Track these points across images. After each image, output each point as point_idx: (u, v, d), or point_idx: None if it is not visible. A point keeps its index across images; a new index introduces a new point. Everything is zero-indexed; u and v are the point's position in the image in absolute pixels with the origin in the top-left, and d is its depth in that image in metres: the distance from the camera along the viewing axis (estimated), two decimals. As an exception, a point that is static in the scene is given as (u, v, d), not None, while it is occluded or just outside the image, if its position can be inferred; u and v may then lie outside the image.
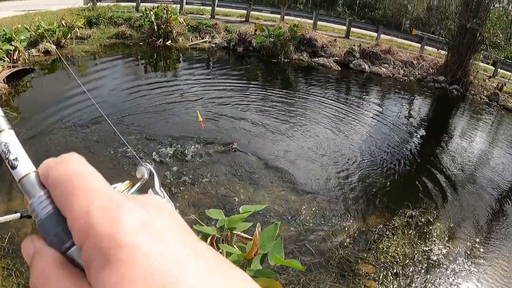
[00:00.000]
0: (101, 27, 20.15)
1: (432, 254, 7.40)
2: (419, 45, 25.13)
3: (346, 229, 7.72)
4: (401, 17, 37.64)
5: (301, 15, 26.69)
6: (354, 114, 14.23)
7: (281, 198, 8.29)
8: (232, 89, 14.82)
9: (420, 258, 7.20)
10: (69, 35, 17.53)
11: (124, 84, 14.06)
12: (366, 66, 20.91)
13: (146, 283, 0.33)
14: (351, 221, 7.99)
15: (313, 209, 8.11)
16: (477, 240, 8.18)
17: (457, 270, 7.10)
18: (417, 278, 6.71)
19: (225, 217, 3.96)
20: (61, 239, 0.39)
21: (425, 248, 7.50)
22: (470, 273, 7.12)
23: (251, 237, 3.66)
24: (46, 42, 16.28)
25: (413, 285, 6.54)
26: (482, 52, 22.23)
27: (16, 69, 13.28)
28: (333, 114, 13.67)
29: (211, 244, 3.75)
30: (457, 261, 7.35)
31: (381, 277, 6.55)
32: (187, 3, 25.34)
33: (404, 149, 12.24)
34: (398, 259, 7.05)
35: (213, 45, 20.97)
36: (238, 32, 21.69)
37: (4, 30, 14.23)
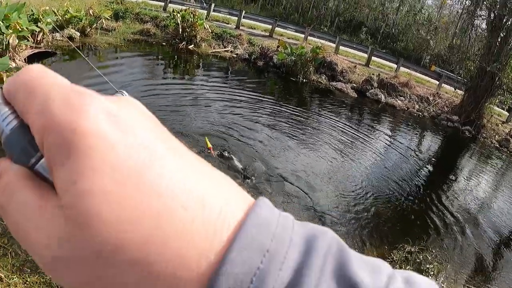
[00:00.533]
0: (127, 21, 20.34)
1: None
2: (436, 82, 25.14)
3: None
4: (422, 51, 37.69)
5: (325, 37, 26.78)
6: (364, 141, 14.26)
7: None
8: (247, 101, 14.91)
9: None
10: (95, 25, 17.72)
11: (140, 81, 14.20)
12: (383, 97, 20.92)
13: (114, 175, 0.31)
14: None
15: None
16: (472, 284, 8.16)
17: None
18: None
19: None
20: (28, 153, 0.35)
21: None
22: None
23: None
24: (71, 28, 16.46)
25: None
26: (499, 96, 22.24)
27: (38, 50, 13.44)
28: (343, 139, 13.70)
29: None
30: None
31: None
32: (214, 10, 25.60)
33: (410, 183, 12.24)
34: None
35: (235, 55, 21.09)
36: (260, 46, 21.81)
37: (32, 10, 14.38)
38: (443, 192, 12.62)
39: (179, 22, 19.44)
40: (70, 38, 16.15)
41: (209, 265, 0.32)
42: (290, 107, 15.69)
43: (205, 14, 23.54)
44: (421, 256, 8.34)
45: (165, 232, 0.31)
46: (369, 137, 15.13)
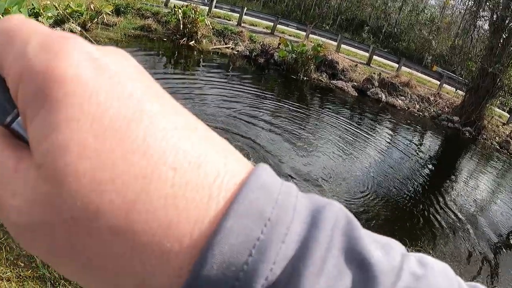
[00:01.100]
0: (128, 17, 20.27)
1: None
2: (438, 82, 25.09)
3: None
4: (424, 51, 37.67)
5: (326, 35, 26.77)
6: (363, 140, 14.24)
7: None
8: (247, 97, 14.89)
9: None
10: (96, 20, 17.67)
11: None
12: (383, 96, 20.89)
13: (94, 128, 0.27)
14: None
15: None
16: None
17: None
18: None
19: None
20: (4, 110, 0.30)
21: None
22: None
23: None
24: (72, 23, 16.42)
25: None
26: (500, 97, 22.23)
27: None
28: (343, 137, 13.68)
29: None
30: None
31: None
32: (216, 7, 25.50)
33: (408, 182, 12.22)
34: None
35: (235, 52, 21.03)
36: (262, 43, 21.78)
37: (33, 4, 14.34)
38: (442, 192, 12.59)
39: (180, 18, 19.36)
40: (71, 32, 15.94)
41: (202, 235, 0.28)
42: (290, 105, 15.65)
43: (207, 10, 23.48)
44: (418, 257, 8.31)
45: (152, 197, 0.27)
46: (369, 135, 15.11)
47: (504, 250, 10.31)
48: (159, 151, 0.28)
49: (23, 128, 0.30)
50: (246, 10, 25.45)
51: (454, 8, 40.40)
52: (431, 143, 18.21)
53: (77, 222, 0.27)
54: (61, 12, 16.16)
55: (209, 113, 12.06)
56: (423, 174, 13.61)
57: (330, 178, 10.53)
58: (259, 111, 13.68)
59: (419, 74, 25.45)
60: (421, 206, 11.00)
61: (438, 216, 10.60)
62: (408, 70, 24.73)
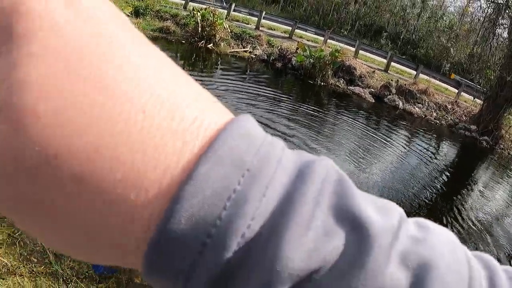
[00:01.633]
0: (147, 18, 20.46)
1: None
2: (455, 90, 24.83)
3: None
4: (442, 59, 37.36)
5: (344, 41, 26.70)
6: (379, 146, 14.17)
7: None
8: (265, 100, 14.93)
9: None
10: (115, 21, 17.75)
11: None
12: (400, 103, 20.75)
13: (57, 64, 0.24)
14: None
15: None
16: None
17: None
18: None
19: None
20: None
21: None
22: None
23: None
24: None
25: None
26: (518, 107, 21.99)
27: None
28: (359, 143, 13.63)
29: None
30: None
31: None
32: (234, 10, 25.60)
33: (425, 190, 12.14)
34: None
35: (253, 55, 21.09)
36: (280, 47, 21.77)
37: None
38: (457, 202, 12.49)
39: (199, 20, 19.48)
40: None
41: (173, 184, 0.25)
42: (307, 108, 15.65)
43: (225, 13, 23.62)
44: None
45: (118, 142, 0.25)
46: (385, 142, 15.03)
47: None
48: (129, 93, 0.25)
49: None
50: (265, 14, 25.48)
51: (473, 16, 40.03)
52: (447, 152, 18.05)
53: (38, 169, 0.24)
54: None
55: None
56: (439, 182, 13.51)
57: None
58: (276, 114, 13.70)
59: (437, 82, 25.29)
60: (438, 213, 10.93)
61: (455, 223, 10.52)
62: (426, 77, 24.54)
